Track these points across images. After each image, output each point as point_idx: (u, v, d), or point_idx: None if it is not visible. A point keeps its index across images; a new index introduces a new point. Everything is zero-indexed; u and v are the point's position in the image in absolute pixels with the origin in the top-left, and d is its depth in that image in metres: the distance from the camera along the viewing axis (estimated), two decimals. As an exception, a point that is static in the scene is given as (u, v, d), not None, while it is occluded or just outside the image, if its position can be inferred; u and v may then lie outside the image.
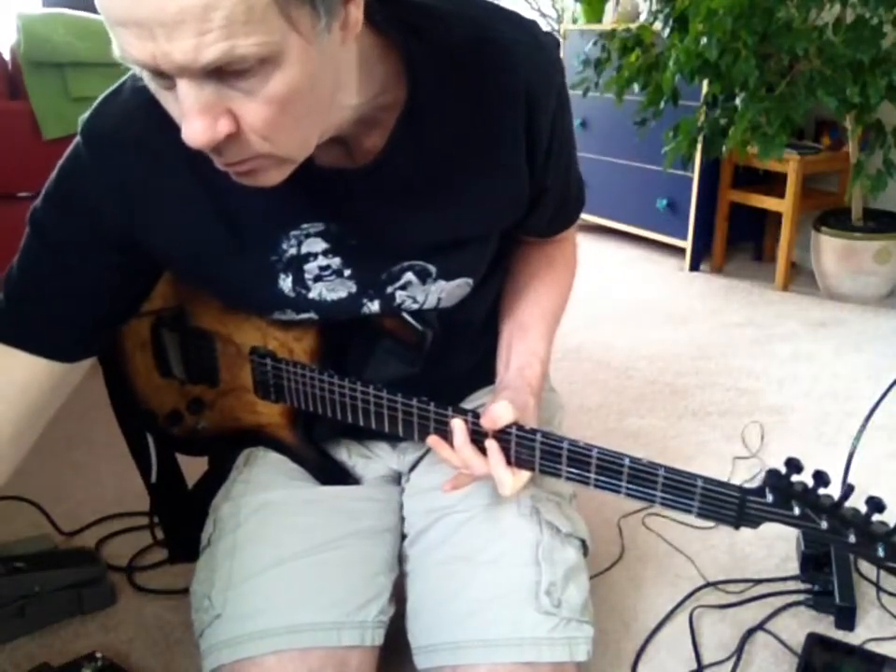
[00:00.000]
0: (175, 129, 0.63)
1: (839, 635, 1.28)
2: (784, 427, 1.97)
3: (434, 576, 0.95)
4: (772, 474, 0.77)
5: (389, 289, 0.88)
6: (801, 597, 1.35)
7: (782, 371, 2.29)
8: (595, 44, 3.12)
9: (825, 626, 1.30)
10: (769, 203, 3.05)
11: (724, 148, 2.76)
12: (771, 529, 1.59)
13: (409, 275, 0.87)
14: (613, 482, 0.83)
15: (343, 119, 0.74)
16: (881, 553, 0.72)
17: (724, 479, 1.86)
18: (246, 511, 0.98)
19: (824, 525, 0.74)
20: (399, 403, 0.88)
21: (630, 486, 0.82)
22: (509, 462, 0.85)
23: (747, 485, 1.84)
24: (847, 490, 0.74)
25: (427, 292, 0.89)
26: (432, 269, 0.88)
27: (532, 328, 0.99)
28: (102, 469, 1.74)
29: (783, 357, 2.39)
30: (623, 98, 2.95)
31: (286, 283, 0.85)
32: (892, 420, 1.80)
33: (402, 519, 1.05)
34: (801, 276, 3.09)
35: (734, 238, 3.28)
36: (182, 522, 1.21)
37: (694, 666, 1.22)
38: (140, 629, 1.28)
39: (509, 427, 0.84)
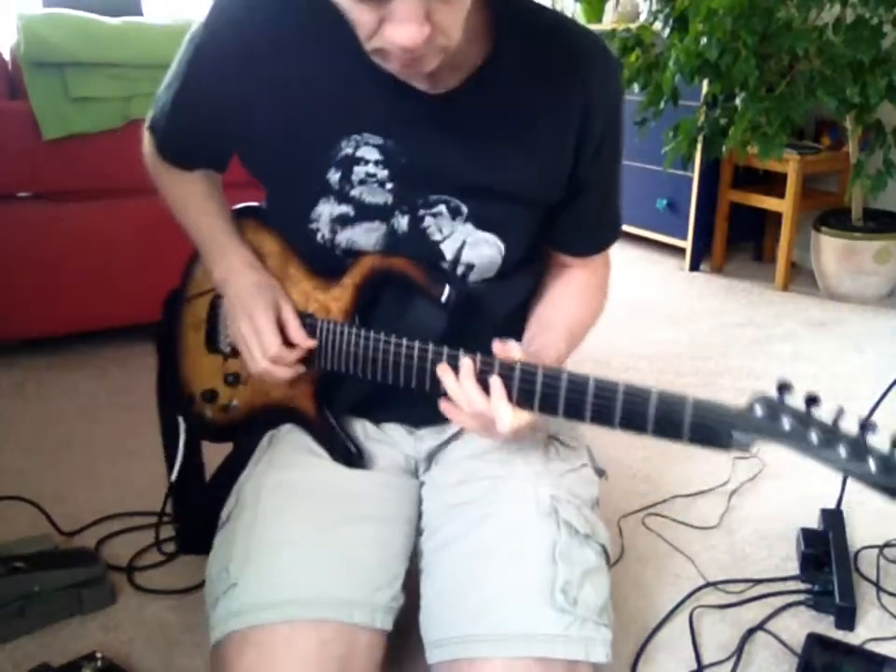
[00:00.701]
0: (294, 19, 0.88)
1: (839, 635, 1.28)
2: (784, 427, 1.96)
3: (450, 572, 0.96)
4: (761, 394, 0.78)
5: (421, 212, 0.95)
6: (801, 597, 1.35)
7: (782, 371, 2.29)
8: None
9: (825, 626, 1.30)
10: (769, 202, 3.05)
11: (724, 148, 2.77)
12: (771, 529, 1.60)
13: (441, 207, 0.95)
14: (607, 410, 0.83)
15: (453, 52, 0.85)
16: (872, 468, 0.72)
17: (724, 479, 1.86)
18: (268, 488, 1.00)
19: (814, 438, 0.74)
20: (416, 349, 0.92)
21: (623, 416, 0.83)
22: (510, 399, 0.87)
23: (746, 482, 1.82)
24: (839, 411, 0.75)
25: (453, 229, 0.96)
26: (464, 209, 0.95)
27: (556, 329, 1.02)
28: (102, 469, 1.74)
29: (783, 357, 2.39)
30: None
31: (333, 177, 0.94)
32: (892, 420, 1.79)
33: (420, 514, 1.06)
34: (801, 276, 3.09)
35: (734, 238, 3.28)
36: (197, 514, 1.24)
37: (694, 666, 1.21)
38: (140, 629, 1.28)
39: (514, 363, 0.87)
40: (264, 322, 0.98)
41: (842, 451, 0.73)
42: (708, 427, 0.80)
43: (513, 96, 0.92)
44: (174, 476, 1.22)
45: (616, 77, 0.98)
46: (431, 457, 1.11)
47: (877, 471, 0.72)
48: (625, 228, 3.47)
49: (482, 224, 0.96)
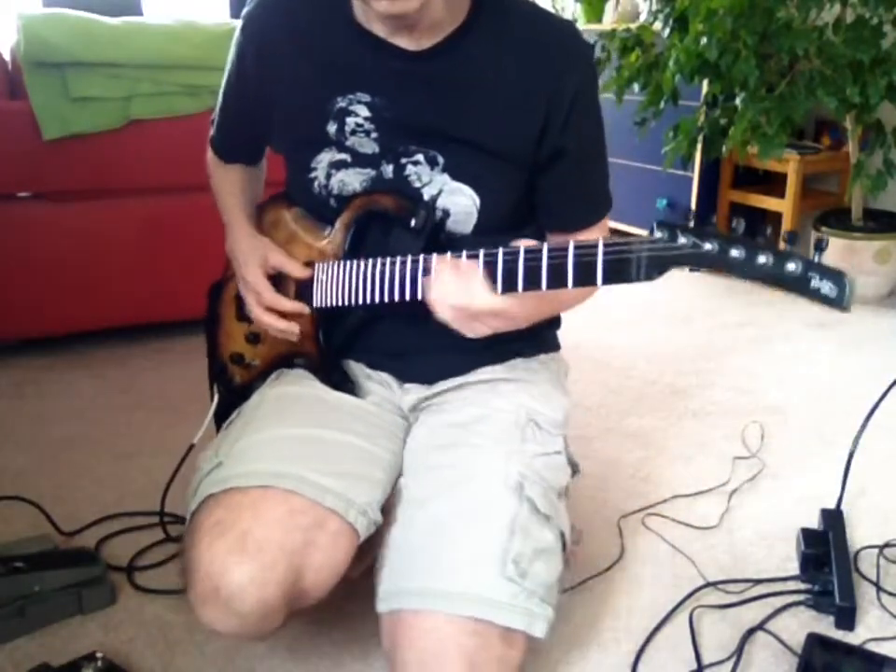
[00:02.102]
0: (309, 9, 1.06)
1: (839, 635, 1.27)
2: (784, 427, 1.97)
3: (411, 528, 1.01)
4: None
5: (403, 160, 1.07)
6: (801, 597, 1.35)
7: (782, 371, 2.29)
8: (594, 44, 3.12)
9: (825, 626, 1.30)
10: (769, 202, 3.05)
11: (724, 148, 2.76)
12: (771, 529, 1.60)
13: (419, 157, 1.07)
14: (536, 278, 0.89)
15: (433, 4, 0.98)
16: (764, 260, 0.77)
17: (724, 479, 1.86)
18: (268, 399, 1.13)
19: (708, 246, 0.79)
20: (393, 263, 1.01)
21: (548, 276, 0.88)
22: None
23: (746, 482, 1.82)
24: (739, 226, 0.81)
25: (432, 178, 1.07)
26: (441, 160, 1.06)
27: None
28: (102, 469, 1.74)
29: (783, 356, 2.39)
30: (623, 98, 2.95)
31: (331, 128, 1.08)
32: (892, 420, 1.80)
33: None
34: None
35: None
36: None
37: (694, 666, 1.21)
38: (140, 629, 1.28)
39: (477, 252, 0.93)
40: (254, 277, 1.14)
41: (735, 252, 0.78)
42: (619, 263, 0.85)
43: (484, 60, 1.03)
44: (196, 439, 1.29)
45: (584, 58, 1.07)
46: (416, 412, 1.18)
47: (772, 264, 0.77)
48: (625, 228, 3.49)
49: (456, 175, 1.06)
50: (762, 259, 0.77)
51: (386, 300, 1.03)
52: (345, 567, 1.00)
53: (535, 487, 1.03)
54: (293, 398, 1.13)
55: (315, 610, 1.31)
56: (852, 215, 2.84)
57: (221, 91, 1.20)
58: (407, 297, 1.01)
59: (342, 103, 1.06)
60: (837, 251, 2.82)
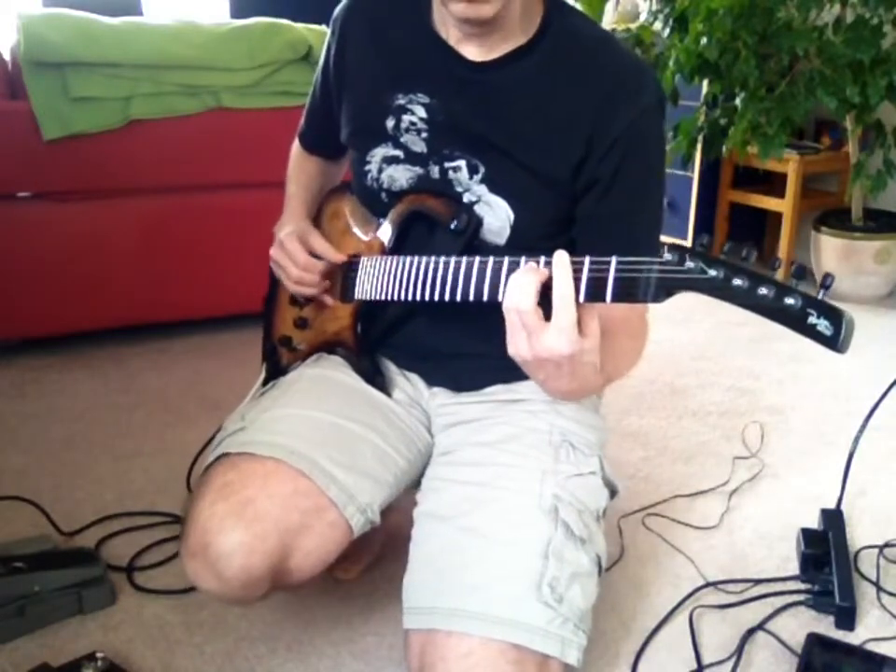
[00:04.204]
0: (393, 5, 1.11)
1: (839, 635, 1.27)
2: (784, 427, 1.97)
3: (442, 544, 0.99)
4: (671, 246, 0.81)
5: (446, 164, 1.09)
6: (801, 597, 1.35)
7: (782, 371, 2.29)
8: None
9: (825, 626, 1.30)
10: (769, 203, 3.05)
11: (724, 148, 2.77)
12: (771, 529, 1.60)
13: (461, 162, 1.08)
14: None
15: (509, 16, 1.01)
16: (765, 291, 0.76)
17: (724, 479, 1.86)
18: (305, 377, 1.17)
19: (713, 273, 0.77)
20: (442, 262, 1.01)
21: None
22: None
23: (746, 482, 1.83)
24: (749, 251, 0.79)
25: (470, 186, 1.08)
26: (481, 168, 1.07)
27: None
28: (102, 469, 1.74)
29: (783, 356, 2.39)
30: (623, 98, 2.95)
31: (389, 123, 1.11)
32: (892, 420, 1.80)
33: (421, 474, 1.14)
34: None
35: (734, 238, 3.27)
36: None
37: (694, 666, 1.21)
38: (140, 629, 1.28)
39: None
40: (289, 242, 1.17)
41: (738, 281, 0.76)
42: (629, 281, 0.81)
43: (539, 79, 1.04)
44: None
45: (644, 98, 1.03)
46: (441, 419, 1.17)
47: (774, 296, 0.76)
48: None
49: (494, 188, 1.07)
50: (763, 290, 0.76)
51: (427, 297, 1.02)
52: (334, 558, 1.01)
53: (569, 509, 1.00)
54: (329, 382, 1.15)
55: (315, 611, 1.31)
56: (852, 215, 2.84)
57: (312, 82, 1.27)
58: (459, 298, 0.97)
59: (401, 100, 1.09)
60: (837, 251, 2.82)
